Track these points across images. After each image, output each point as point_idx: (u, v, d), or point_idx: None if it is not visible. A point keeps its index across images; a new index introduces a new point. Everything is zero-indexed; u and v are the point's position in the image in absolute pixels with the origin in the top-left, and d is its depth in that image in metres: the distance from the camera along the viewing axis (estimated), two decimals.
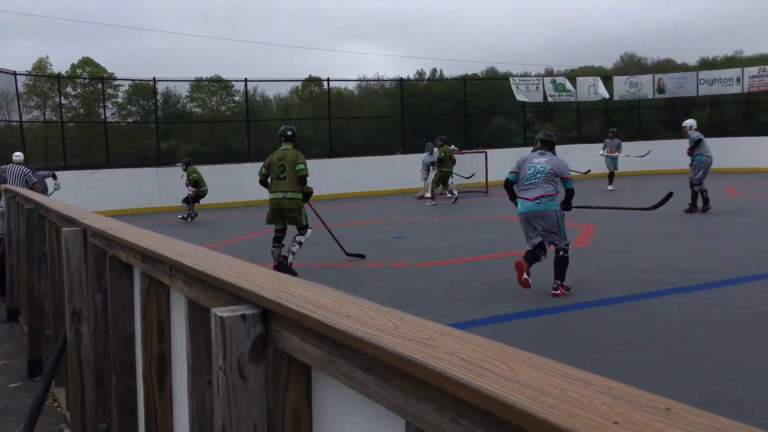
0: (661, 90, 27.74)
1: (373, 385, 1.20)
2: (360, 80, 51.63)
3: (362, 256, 9.64)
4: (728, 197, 15.85)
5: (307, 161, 9.04)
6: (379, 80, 55.19)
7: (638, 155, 19.11)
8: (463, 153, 21.10)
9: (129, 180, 20.03)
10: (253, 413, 1.57)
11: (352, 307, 1.37)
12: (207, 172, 17.80)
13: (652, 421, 0.79)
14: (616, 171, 19.03)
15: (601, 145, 19.78)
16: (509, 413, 0.86)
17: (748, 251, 8.83)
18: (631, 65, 67.37)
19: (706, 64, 57.74)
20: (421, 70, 75.28)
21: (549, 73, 59.70)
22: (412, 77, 56.55)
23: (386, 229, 12.76)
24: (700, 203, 12.79)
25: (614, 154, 19.01)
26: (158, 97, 29.48)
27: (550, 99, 26.98)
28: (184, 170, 16.65)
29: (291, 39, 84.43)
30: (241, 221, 15.56)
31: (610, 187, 18.36)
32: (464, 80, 32.36)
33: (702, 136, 12.72)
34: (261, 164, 9.14)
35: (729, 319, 5.75)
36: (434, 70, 72.45)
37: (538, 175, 7.03)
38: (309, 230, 8.90)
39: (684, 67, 55.47)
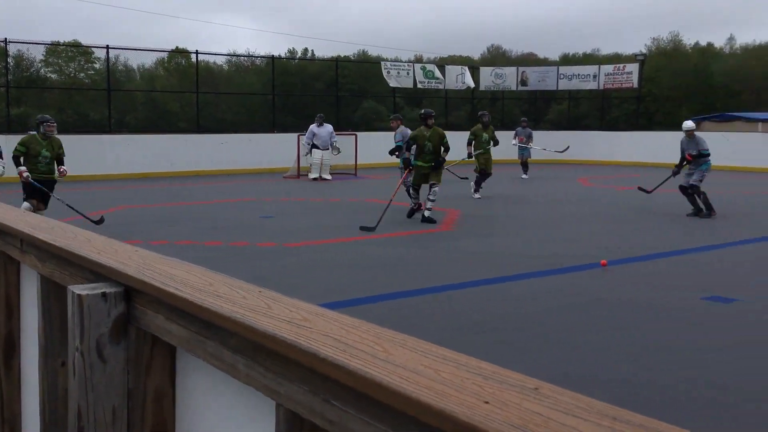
0: (524, 82, 28.92)
1: (243, 366, 1.17)
2: (230, 55, 50.29)
3: (372, 228, 9.88)
4: (582, 188, 16.84)
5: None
6: (249, 56, 54.06)
7: (557, 150, 19.77)
8: (338, 134, 21.07)
9: None
10: (111, 396, 1.49)
11: (223, 286, 1.33)
12: (63, 142, 16.75)
13: (522, 401, 0.81)
14: (530, 159, 19.70)
15: (512, 133, 20.34)
16: (384, 394, 0.86)
17: (600, 239, 9.42)
18: (497, 57, 69.80)
19: (566, 60, 60.78)
20: (293, 48, 74.29)
21: (419, 59, 60.72)
22: (283, 55, 55.77)
23: (255, 208, 12.57)
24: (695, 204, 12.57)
25: (526, 145, 19.61)
26: (9, 60, 27.37)
27: (419, 85, 27.47)
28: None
29: (157, 6, 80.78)
30: (100, 195, 14.81)
31: (524, 176, 18.94)
32: (337, 62, 32.31)
33: None
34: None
35: (578, 303, 6.11)
36: (306, 49, 71.87)
37: None
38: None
39: (545, 62, 58.09)
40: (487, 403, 0.80)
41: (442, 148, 11.13)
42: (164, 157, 19.63)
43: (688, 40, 67.86)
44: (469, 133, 14.62)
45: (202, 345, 1.28)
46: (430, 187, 10.98)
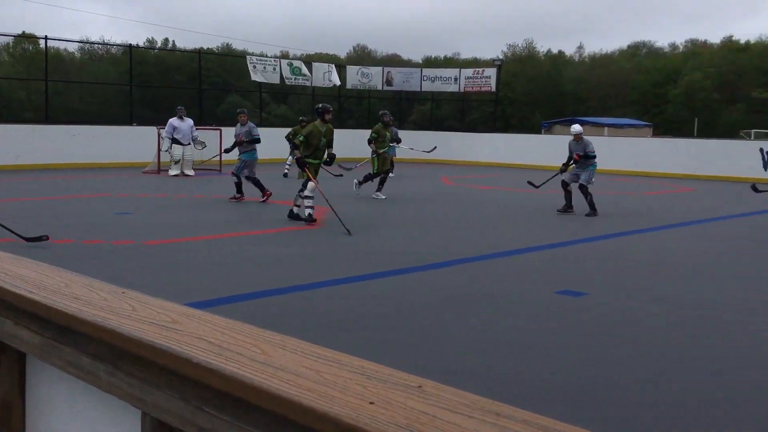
0: (389, 83, 29.38)
1: (105, 373, 1.08)
2: (83, 42, 47.59)
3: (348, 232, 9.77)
4: (446, 186, 17.33)
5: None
6: (104, 44, 51.49)
7: (424, 150, 19.95)
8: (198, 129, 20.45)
9: None
10: None
11: (81, 287, 1.23)
12: None
13: (406, 399, 0.80)
14: (395, 158, 19.85)
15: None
16: (264, 399, 0.82)
17: (465, 236, 9.71)
18: (363, 56, 70.52)
19: (429, 63, 62.38)
20: (152, 38, 71.55)
21: (285, 55, 60.30)
22: (142, 45, 53.51)
23: (109, 205, 11.96)
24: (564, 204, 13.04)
25: (392, 144, 19.74)
26: None
27: (286, 81, 27.23)
28: None
29: None
30: None
31: (391, 174, 19.04)
32: (200, 53, 31.40)
33: None
34: None
35: (443, 298, 6.27)
36: (166, 39, 69.38)
37: None
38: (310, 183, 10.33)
39: (410, 63, 59.37)
40: (372, 403, 0.78)
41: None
42: (8, 150, 18.30)
43: (542, 47, 71.38)
44: (371, 131, 14.58)
45: (58, 352, 1.18)
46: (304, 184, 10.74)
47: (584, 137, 12.65)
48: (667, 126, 52.15)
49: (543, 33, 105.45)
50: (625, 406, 3.92)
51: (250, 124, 13.27)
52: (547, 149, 24.92)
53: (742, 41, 62.23)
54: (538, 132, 39.20)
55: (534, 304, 6.10)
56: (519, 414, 0.77)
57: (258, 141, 13.05)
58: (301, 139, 10.65)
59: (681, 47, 70.15)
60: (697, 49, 65.63)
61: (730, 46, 61.48)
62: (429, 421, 0.74)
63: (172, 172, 18.17)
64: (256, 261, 7.74)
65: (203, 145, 18.54)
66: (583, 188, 12.22)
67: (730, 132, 46.45)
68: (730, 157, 20.92)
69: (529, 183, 13.77)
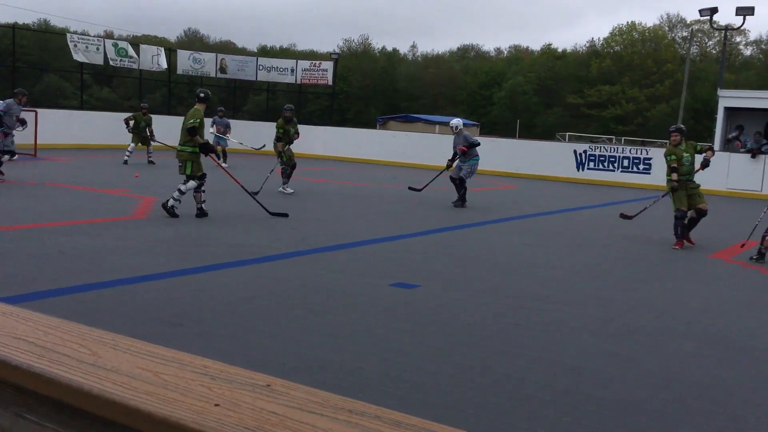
0: (223, 70, 28.65)
1: None
2: None
3: (285, 215, 10.35)
4: (278, 177, 17.16)
5: None
6: None
7: (254, 147, 19.49)
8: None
9: None
10: None
11: None
12: None
13: (254, 399, 0.76)
14: (228, 148, 19.45)
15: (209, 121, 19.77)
16: (94, 404, 0.75)
17: (301, 228, 9.66)
18: (195, 41, 68.29)
19: (264, 52, 61.58)
20: None
21: (109, 35, 57.08)
22: None
23: None
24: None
25: (223, 135, 19.52)
26: None
27: (111, 63, 25.77)
28: None
29: None
30: None
31: (224, 164, 18.42)
32: (14, 28, 28.92)
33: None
34: None
35: (276, 291, 6.20)
36: None
37: None
38: (192, 181, 9.87)
39: (244, 52, 58.28)
40: (217, 405, 0.73)
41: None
42: None
43: (377, 44, 72.91)
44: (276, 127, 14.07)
45: None
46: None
47: (464, 132, 13.51)
48: (492, 126, 55.04)
49: (378, 30, 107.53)
50: (451, 393, 4.08)
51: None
52: (382, 144, 25.50)
53: (560, 50, 67.00)
54: (374, 127, 39.90)
55: (369, 296, 6.19)
56: (371, 410, 0.76)
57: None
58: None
59: (505, 52, 74.33)
60: (519, 55, 69.80)
61: (548, 53, 65.96)
62: (279, 422, 0.71)
63: None
64: (72, 253, 7.25)
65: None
66: (462, 181, 13.09)
67: (548, 134, 49.90)
68: (548, 157, 22.45)
69: (411, 188, 14.20)
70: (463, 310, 5.95)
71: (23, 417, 0.83)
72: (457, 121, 13.70)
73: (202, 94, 10.28)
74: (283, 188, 13.79)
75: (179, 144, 10.02)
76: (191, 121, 9.84)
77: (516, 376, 4.42)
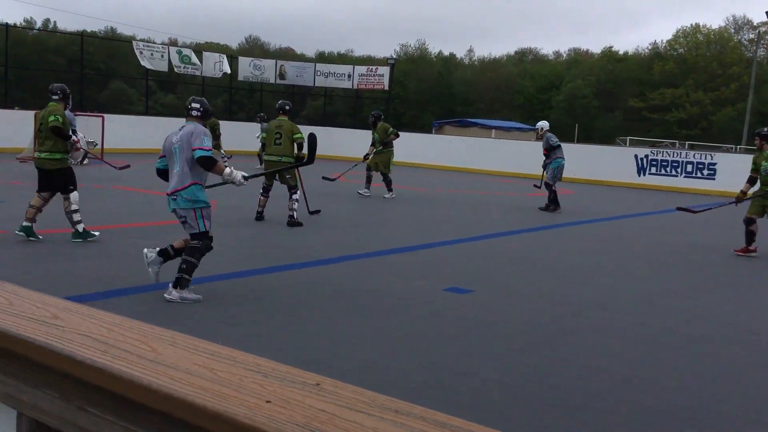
0: (282, 76, 29.06)
1: None
2: None
3: (318, 212, 10.64)
4: (338, 183, 17.29)
5: None
6: None
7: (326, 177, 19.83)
8: (77, 115, 19.52)
9: None
10: None
11: None
12: None
13: (304, 397, 0.78)
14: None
15: (258, 127, 20.13)
16: (154, 398, 0.78)
17: (357, 232, 9.74)
18: (255, 48, 69.49)
19: (322, 58, 62.21)
20: (31, 18, 67.74)
21: (173, 42, 58.49)
22: (19, 24, 50.51)
23: None
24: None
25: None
26: None
27: (175, 69, 26.43)
28: None
29: None
30: None
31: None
32: (82, 36, 29.94)
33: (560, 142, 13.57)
34: None
35: (337, 292, 6.27)
36: (47, 20, 65.82)
37: (174, 159, 5.80)
38: (297, 191, 10.15)
39: (303, 58, 59.05)
40: (269, 402, 0.76)
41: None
42: None
43: (433, 48, 72.85)
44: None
45: None
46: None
47: (548, 135, 13.53)
48: (550, 130, 54.30)
49: (434, 35, 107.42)
50: (499, 400, 4.06)
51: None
52: (438, 148, 25.44)
53: (621, 52, 65.78)
54: (429, 131, 39.90)
55: (422, 300, 6.20)
56: (416, 410, 0.78)
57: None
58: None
59: (564, 55, 73.36)
60: (579, 58, 68.79)
61: (609, 55, 64.82)
62: (328, 420, 0.73)
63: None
64: (141, 254, 7.44)
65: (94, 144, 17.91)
66: (547, 185, 13.16)
67: (607, 138, 48.99)
68: (607, 162, 22.04)
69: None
70: (515, 315, 5.90)
71: (85, 410, 0.87)
72: (541, 124, 13.70)
73: (287, 107, 10.67)
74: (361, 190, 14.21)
75: (279, 155, 10.21)
76: (298, 135, 10.23)
77: (566, 384, 4.36)
